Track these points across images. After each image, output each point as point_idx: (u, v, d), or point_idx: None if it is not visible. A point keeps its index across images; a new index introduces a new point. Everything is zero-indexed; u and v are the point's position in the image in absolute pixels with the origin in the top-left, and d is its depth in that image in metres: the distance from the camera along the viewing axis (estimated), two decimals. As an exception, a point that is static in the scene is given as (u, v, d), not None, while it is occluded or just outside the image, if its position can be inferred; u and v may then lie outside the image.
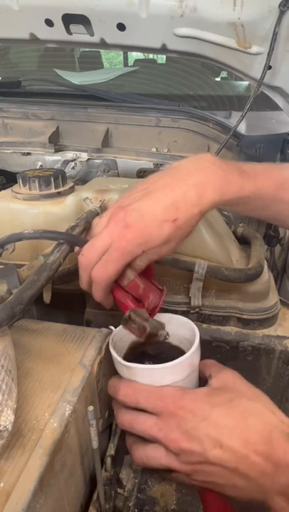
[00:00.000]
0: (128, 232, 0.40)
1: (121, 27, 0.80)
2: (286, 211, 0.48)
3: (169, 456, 0.36)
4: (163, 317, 0.45)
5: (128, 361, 0.39)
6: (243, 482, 0.34)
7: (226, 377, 0.39)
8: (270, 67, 0.75)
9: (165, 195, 0.42)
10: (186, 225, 0.41)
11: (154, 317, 0.45)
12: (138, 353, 0.44)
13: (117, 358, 0.39)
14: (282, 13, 0.68)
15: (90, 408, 0.38)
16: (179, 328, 0.44)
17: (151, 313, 0.45)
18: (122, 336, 0.44)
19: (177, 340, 0.44)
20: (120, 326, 0.44)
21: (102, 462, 0.48)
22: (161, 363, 0.38)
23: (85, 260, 0.43)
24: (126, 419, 0.39)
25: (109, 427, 0.51)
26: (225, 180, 0.43)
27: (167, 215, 0.41)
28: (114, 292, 0.44)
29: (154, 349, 0.44)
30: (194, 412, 0.35)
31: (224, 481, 0.35)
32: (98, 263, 0.42)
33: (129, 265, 0.42)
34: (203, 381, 0.41)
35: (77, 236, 0.50)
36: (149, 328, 0.41)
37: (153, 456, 0.37)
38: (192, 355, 0.38)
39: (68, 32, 0.84)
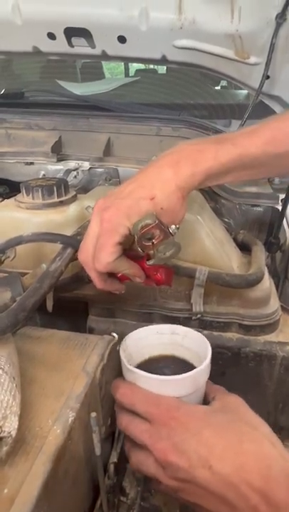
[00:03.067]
0: (106, 213, 0.41)
1: (122, 39, 0.82)
2: (283, 165, 0.46)
3: (157, 466, 0.35)
4: (180, 330, 0.45)
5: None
6: None
7: (230, 400, 0.37)
8: (268, 77, 0.76)
9: (139, 178, 0.43)
10: (166, 203, 0.41)
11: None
12: (155, 366, 0.43)
13: (123, 359, 0.40)
14: (278, 25, 0.70)
15: (93, 414, 0.38)
16: (197, 344, 0.43)
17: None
18: (141, 345, 0.44)
19: (198, 359, 0.42)
20: (136, 331, 0.44)
21: (106, 470, 0.48)
22: (173, 369, 0.39)
23: (84, 253, 0.43)
24: (123, 420, 0.38)
25: (112, 435, 0.51)
26: (197, 152, 0.42)
27: (143, 193, 0.41)
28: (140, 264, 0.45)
29: (172, 366, 0.43)
30: (187, 425, 0.33)
31: (211, 507, 0.32)
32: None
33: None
34: (206, 403, 0.40)
35: (75, 238, 0.51)
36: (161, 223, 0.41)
37: (144, 462, 0.36)
38: (196, 374, 0.37)
39: (70, 45, 0.86)
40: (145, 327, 0.45)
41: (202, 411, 0.36)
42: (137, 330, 0.44)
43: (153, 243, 0.41)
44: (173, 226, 0.42)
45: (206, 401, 0.40)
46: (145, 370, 0.39)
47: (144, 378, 0.38)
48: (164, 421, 0.34)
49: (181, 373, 0.37)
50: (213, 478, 0.31)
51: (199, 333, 0.43)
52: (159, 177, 0.42)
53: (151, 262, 0.43)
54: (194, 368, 0.39)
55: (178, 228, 0.42)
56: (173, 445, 0.33)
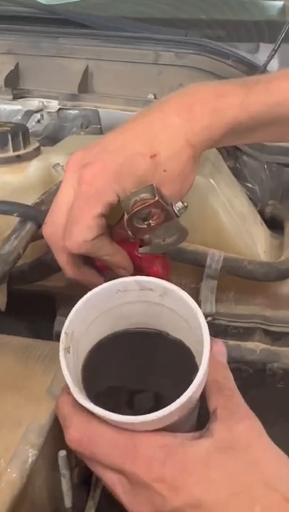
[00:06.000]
0: (87, 171, 0.40)
1: None
2: None
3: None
4: (153, 284, 0.37)
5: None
6: None
7: (239, 431, 0.33)
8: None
9: (135, 125, 0.42)
10: (170, 162, 0.41)
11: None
12: (119, 359, 0.38)
13: (71, 386, 0.33)
14: None
15: (62, 453, 0.39)
16: (180, 308, 0.37)
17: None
18: (97, 314, 0.38)
19: (176, 329, 0.38)
20: (85, 296, 0.36)
21: (79, 525, 0.49)
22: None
23: (50, 227, 0.43)
24: (87, 462, 0.36)
25: (88, 478, 0.52)
26: (217, 95, 0.42)
27: (141, 147, 0.41)
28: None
29: (145, 343, 0.39)
30: (178, 490, 0.30)
31: None
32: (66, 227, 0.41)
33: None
34: (203, 410, 0.36)
35: (37, 208, 0.50)
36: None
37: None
38: (189, 398, 0.31)
39: None
40: (99, 286, 0.37)
41: (200, 459, 0.32)
42: (87, 294, 0.36)
43: (149, 225, 0.40)
44: (179, 203, 0.41)
45: (203, 405, 0.36)
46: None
47: (109, 419, 0.32)
48: (145, 482, 0.31)
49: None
50: None
51: (185, 294, 0.36)
52: (164, 127, 0.41)
53: (144, 250, 0.43)
54: (185, 346, 0.37)
55: (186, 207, 0.42)
56: None
